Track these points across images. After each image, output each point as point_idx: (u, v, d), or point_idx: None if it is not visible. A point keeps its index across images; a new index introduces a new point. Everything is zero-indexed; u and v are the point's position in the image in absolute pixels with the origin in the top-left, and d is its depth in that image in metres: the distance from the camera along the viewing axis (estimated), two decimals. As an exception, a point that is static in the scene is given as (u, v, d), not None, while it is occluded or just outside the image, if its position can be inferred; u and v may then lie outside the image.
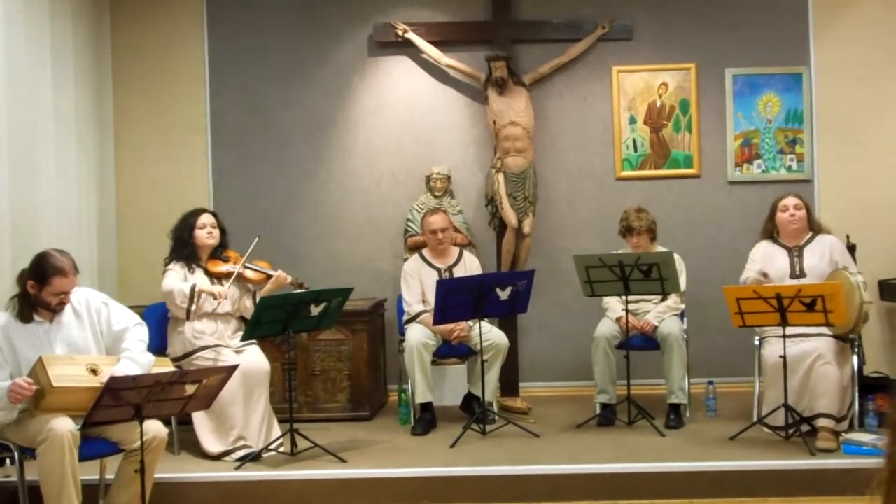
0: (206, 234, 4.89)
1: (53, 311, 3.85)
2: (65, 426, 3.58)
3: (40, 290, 3.78)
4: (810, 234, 5.00)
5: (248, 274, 4.95)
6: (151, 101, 6.19)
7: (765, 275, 4.84)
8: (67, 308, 3.90)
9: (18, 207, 4.76)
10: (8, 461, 3.99)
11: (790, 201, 4.99)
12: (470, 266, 5.49)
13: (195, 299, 4.73)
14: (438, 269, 5.42)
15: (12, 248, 4.63)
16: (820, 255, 4.90)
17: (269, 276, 4.95)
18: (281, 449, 4.67)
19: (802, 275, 4.87)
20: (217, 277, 4.89)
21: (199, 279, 4.85)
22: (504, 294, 4.99)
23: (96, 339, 3.96)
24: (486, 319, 5.15)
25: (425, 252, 5.52)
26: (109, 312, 4.01)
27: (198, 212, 4.97)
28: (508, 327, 5.70)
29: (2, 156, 4.64)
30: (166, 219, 4.99)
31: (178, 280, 4.80)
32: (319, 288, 4.88)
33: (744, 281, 4.94)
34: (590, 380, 5.30)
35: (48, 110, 5.17)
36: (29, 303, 3.82)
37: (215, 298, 4.77)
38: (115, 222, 6.14)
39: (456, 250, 5.54)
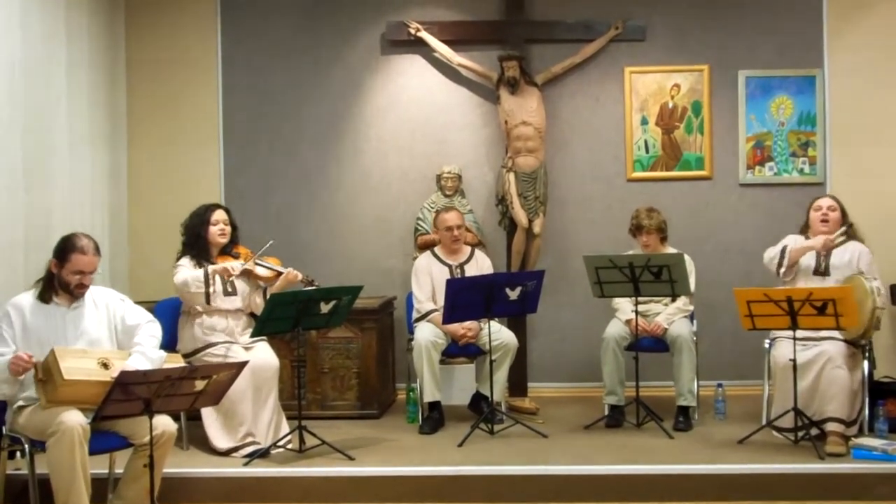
0: (218, 231, 4.90)
1: (73, 294, 3.90)
2: (75, 419, 3.60)
3: (61, 268, 3.87)
4: (843, 237, 4.97)
5: (259, 271, 4.95)
6: (164, 102, 6.21)
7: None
8: (87, 299, 3.96)
9: (32, 209, 4.79)
10: (18, 454, 4.01)
11: (824, 202, 4.99)
12: (482, 264, 5.48)
13: (210, 281, 4.75)
14: (450, 266, 5.41)
15: (25, 248, 4.66)
16: (848, 260, 4.88)
17: (279, 274, 4.96)
18: (289, 446, 4.69)
19: (827, 272, 4.86)
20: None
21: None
22: (514, 294, 4.99)
23: (111, 332, 4.00)
24: (495, 319, 5.15)
25: (437, 249, 5.52)
26: (125, 308, 4.07)
27: (212, 207, 4.96)
28: (518, 327, 5.70)
29: (16, 157, 4.67)
30: (178, 217, 4.99)
31: (189, 271, 4.81)
32: (329, 286, 4.89)
33: (770, 258, 4.94)
34: (598, 381, 5.30)
35: (62, 112, 5.19)
36: (50, 283, 3.90)
37: (228, 276, 4.78)
38: (126, 221, 6.15)
39: (468, 248, 5.53)
